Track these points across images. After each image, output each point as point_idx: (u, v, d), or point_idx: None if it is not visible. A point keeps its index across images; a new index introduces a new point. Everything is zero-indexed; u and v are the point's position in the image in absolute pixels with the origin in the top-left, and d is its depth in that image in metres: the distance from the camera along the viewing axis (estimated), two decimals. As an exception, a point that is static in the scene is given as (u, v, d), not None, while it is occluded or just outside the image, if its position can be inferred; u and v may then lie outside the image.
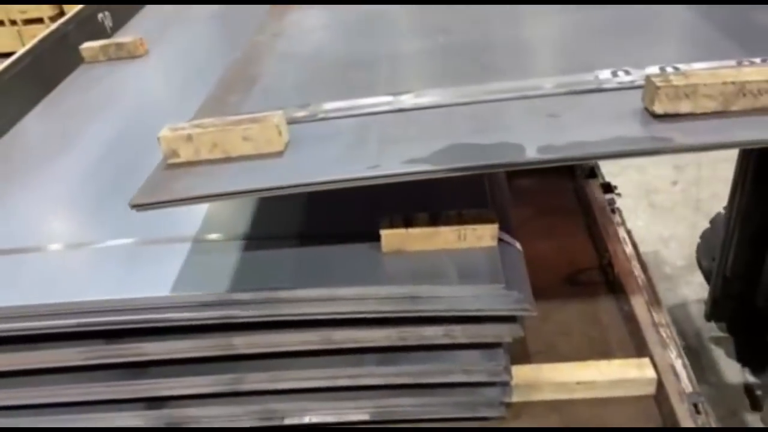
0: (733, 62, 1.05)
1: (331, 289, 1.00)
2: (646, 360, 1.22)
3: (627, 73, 1.09)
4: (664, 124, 0.93)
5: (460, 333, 1.02)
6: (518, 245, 1.09)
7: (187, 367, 1.08)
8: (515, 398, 1.17)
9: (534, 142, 0.93)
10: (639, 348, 1.29)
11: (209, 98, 1.27)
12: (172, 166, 1.01)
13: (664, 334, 1.35)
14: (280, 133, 0.99)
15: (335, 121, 1.09)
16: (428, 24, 1.54)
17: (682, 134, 0.90)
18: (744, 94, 0.93)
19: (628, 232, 1.64)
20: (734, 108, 0.93)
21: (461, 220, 1.04)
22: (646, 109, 0.96)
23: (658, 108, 0.93)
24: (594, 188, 1.76)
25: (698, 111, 0.93)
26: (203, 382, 1.09)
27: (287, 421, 1.11)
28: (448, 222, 1.04)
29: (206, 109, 1.20)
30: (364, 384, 1.08)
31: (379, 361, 1.07)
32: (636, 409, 1.18)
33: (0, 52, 7.35)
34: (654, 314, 1.39)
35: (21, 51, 1.77)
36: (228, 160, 1.00)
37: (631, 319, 1.36)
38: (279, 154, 0.99)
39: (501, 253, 1.04)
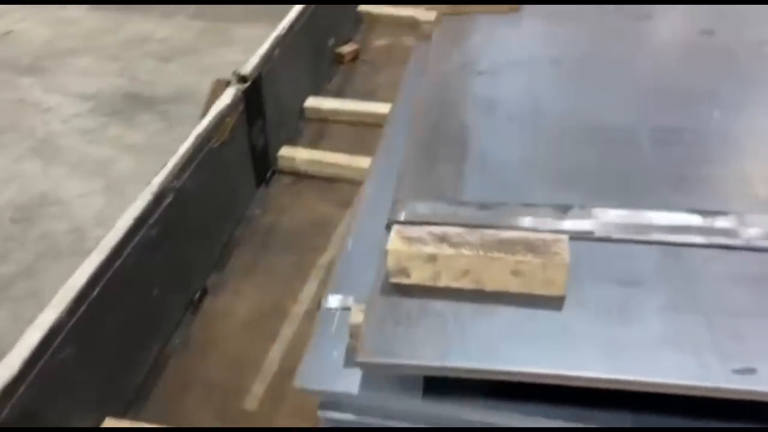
0: None
1: None
2: None
3: None
4: None
5: None
6: None
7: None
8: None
9: None
10: None
11: (409, 162, 1.02)
12: (397, 288, 0.77)
13: None
14: (567, 271, 0.70)
15: (627, 245, 0.79)
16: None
17: None
18: None
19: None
20: None
21: None
22: None
23: None
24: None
25: None
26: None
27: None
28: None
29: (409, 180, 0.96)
30: None
31: None
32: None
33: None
34: None
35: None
36: (482, 295, 0.73)
37: None
38: (559, 300, 0.70)
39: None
